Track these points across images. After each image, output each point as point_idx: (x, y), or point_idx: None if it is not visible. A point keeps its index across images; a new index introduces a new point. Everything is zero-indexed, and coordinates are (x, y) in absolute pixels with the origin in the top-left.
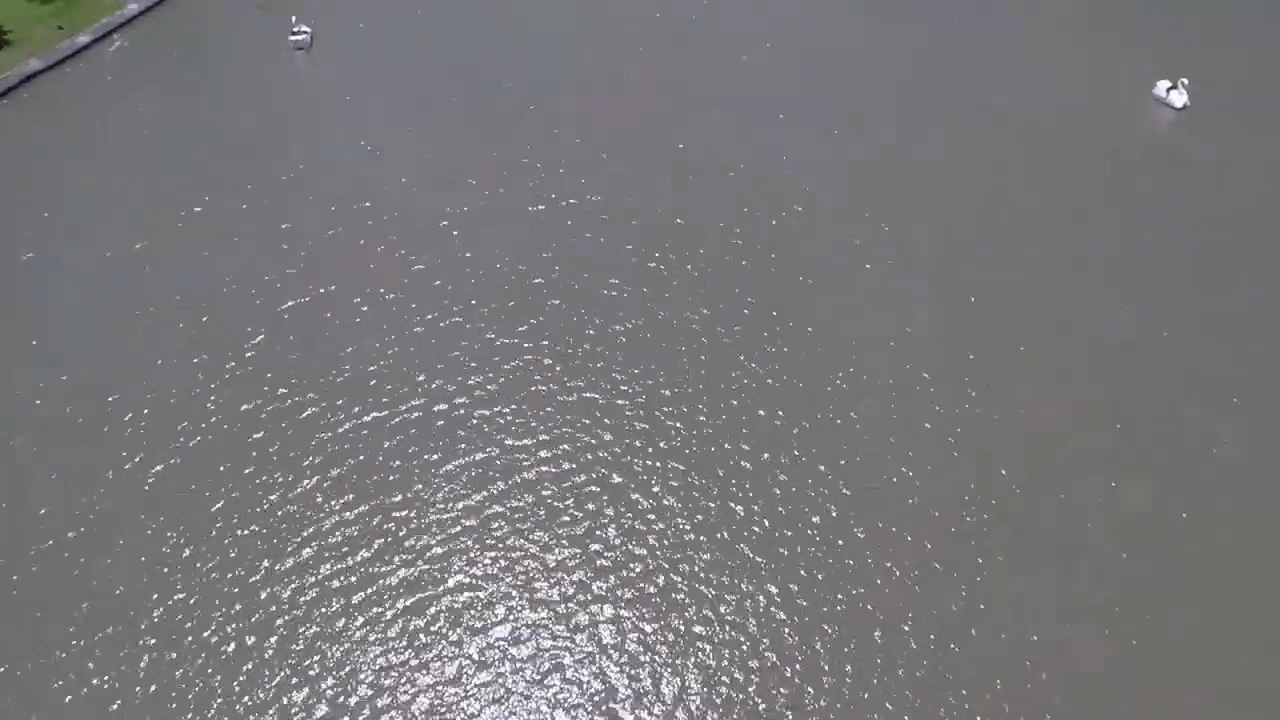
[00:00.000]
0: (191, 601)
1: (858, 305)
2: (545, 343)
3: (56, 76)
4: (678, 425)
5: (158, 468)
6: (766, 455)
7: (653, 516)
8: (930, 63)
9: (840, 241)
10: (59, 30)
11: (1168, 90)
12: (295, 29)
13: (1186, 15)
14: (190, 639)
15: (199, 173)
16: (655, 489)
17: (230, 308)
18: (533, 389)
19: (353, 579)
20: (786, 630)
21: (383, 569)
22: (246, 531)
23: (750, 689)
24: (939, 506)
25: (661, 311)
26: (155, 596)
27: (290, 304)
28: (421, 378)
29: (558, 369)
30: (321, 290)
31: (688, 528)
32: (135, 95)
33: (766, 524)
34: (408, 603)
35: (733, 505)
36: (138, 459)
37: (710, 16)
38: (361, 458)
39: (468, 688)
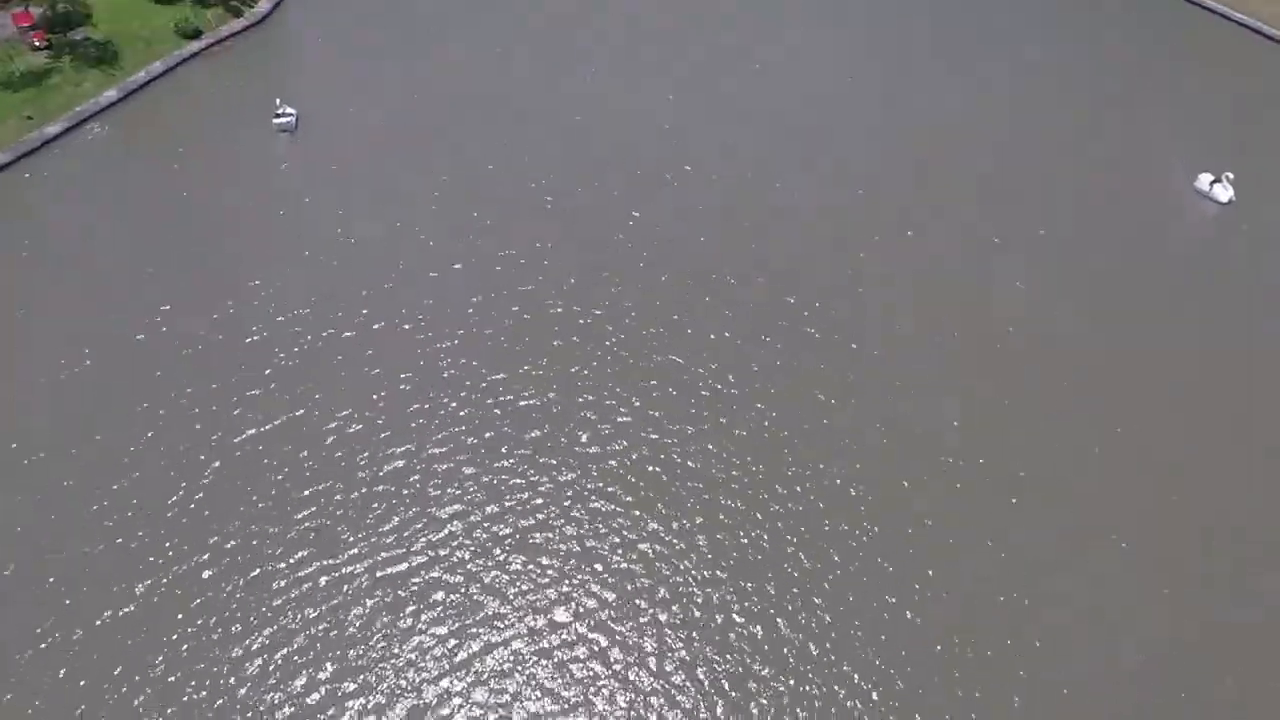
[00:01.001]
0: None
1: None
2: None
3: (25, 167)
4: None
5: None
6: None
7: None
8: (954, 141)
9: (886, 330)
10: (28, 120)
11: (1211, 184)
12: (279, 110)
13: (1234, 105)
14: None
15: (166, 281)
16: None
17: (188, 440)
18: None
19: None
20: None
21: None
22: None
23: None
24: None
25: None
26: None
27: (250, 434)
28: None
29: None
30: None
31: None
32: (106, 190)
33: None
34: None
35: None
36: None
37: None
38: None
39: None
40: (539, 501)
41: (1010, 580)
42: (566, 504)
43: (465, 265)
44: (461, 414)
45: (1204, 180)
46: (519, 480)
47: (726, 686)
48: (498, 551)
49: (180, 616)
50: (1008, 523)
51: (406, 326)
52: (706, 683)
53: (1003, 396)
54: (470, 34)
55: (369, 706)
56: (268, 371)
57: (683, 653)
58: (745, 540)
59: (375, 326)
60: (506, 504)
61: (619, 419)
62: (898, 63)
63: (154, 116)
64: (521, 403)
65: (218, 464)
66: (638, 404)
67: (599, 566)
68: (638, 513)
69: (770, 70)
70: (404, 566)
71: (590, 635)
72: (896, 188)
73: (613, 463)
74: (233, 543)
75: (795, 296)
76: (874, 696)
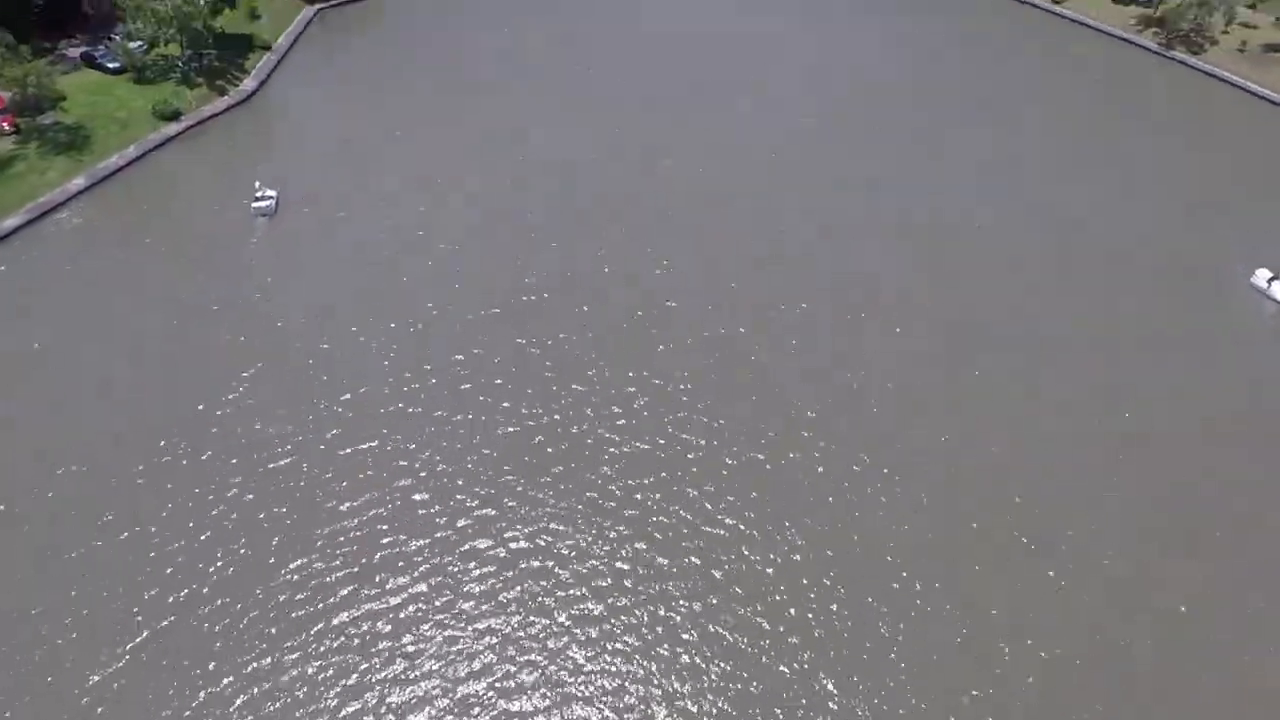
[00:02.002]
0: None
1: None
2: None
3: None
4: None
5: None
6: None
7: None
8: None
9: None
10: None
11: (1269, 281)
12: (259, 193)
13: None
14: None
15: (124, 391)
16: None
17: (150, 582)
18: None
19: None
20: None
21: None
22: None
23: None
24: None
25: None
26: None
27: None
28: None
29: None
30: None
31: None
32: (65, 290)
33: None
34: None
35: None
36: None
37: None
38: None
39: None
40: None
41: None
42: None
43: (440, 380)
44: (421, 567)
45: (1261, 277)
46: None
47: None
48: None
49: None
50: None
51: (376, 449)
52: None
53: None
54: (465, 114)
55: None
56: (229, 494)
57: None
58: None
59: (343, 452)
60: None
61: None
62: (1012, 157)
63: (124, 205)
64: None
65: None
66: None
67: None
68: None
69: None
70: None
71: None
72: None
73: None
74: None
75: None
76: None
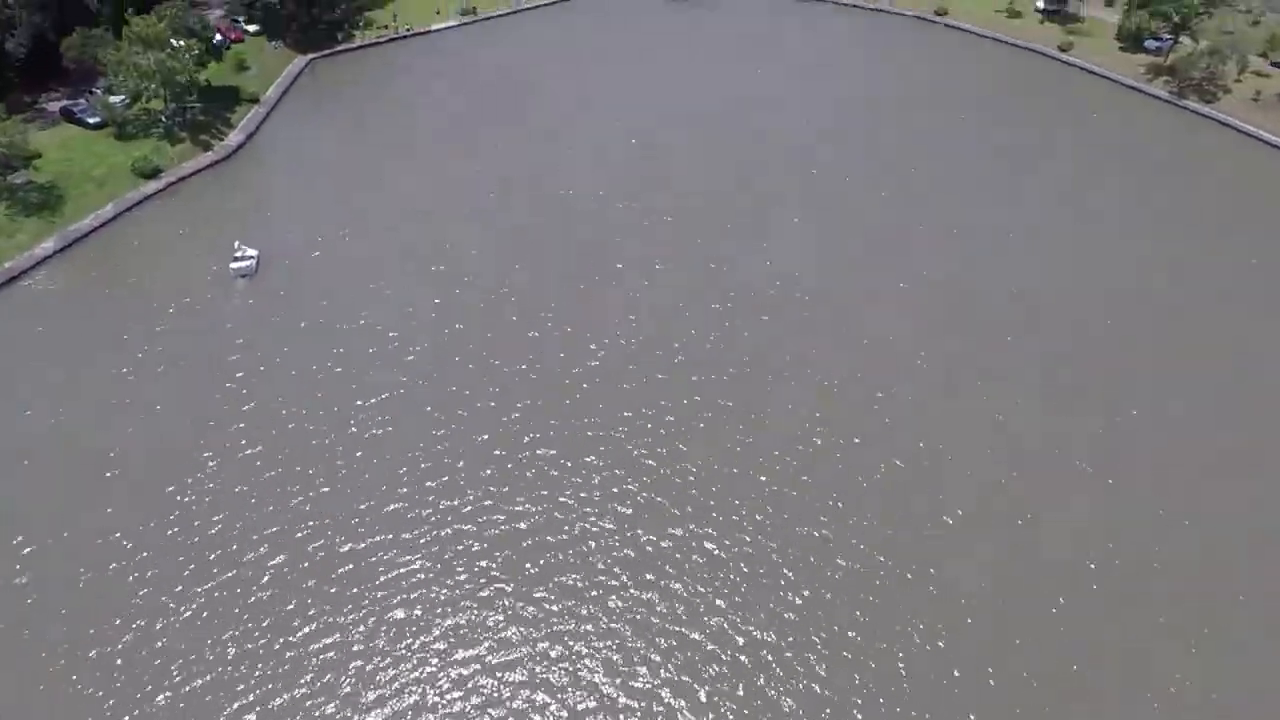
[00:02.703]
0: None
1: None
2: None
3: None
4: None
5: None
6: None
7: None
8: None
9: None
10: None
11: None
12: (238, 253)
13: None
14: None
15: (94, 477)
16: None
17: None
18: None
19: None
20: None
21: None
22: None
23: None
24: None
25: None
26: None
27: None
28: None
29: None
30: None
31: None
32: (28, 363)
33: None
34: None
35: None
36: None
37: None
38: None
39: None
40: None
41: None
42: None
43: (431, 463)
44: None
45: None
46: None
47: None
48: None
49: None
50: None
51: (350, 552)
52: None
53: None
54: (460, 172)
55: None
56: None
57: None
58: None
59: (300, 570)
60: None
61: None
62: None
63: (96, 268)
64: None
65: None
66: None
67: None
68: None
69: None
70: None
71: None
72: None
73: None
74: None
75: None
76: None
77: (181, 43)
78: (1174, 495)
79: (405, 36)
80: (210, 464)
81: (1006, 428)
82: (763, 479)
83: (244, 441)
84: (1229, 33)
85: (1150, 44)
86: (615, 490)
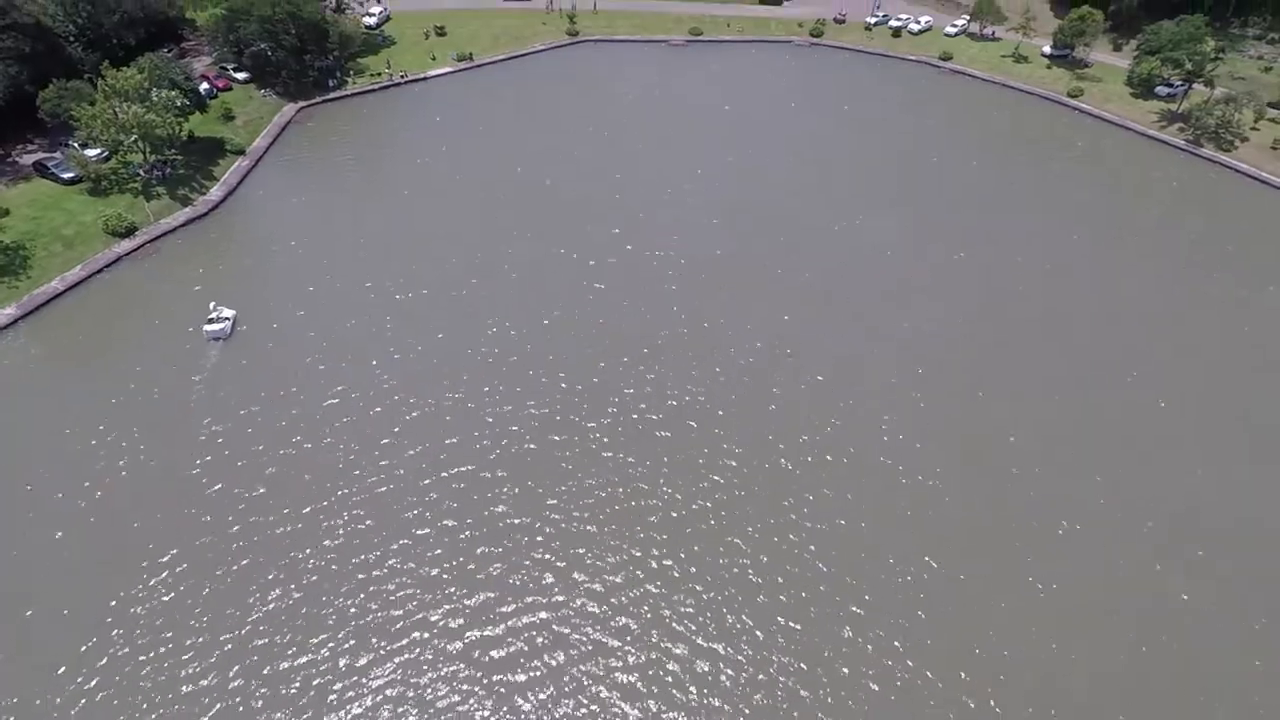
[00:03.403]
0: None
1: None
2: None
3: None
4: None
5: None
6: None
7: None
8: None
9: None
10: None
11: None
12: (213, 315)
13: None
14: None
15: (43, 565)
16: None
17: None
18: None
19: None
20: None
21: None
22: None
23: None
24: None
25: None
26: None
27: None
28: None
29: None
30: None
31: None
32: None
33: None
34: None
35: None
36: None
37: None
38: None
39: None
40: None
41: None
42: None
43: (404, 557)
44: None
45: None
46: None
47: None
48: None
49: None
50: None
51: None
52: None
53: None
54: (450, 230)
55: None
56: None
57: None
58: None
59: (271, 670)
60: None
61: None
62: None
63: (58, 336)
64: None
65: None
66: None
67: None
68: None
69: None
70: None
71: None
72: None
73: None
74: None
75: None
76: None
77: (162, 95)
78: None
79: (399, 84)
80: (165, 556)
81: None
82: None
83: (207, 539)
84: (1240, 79)
85: (1162, 90)
86: (624, 600)
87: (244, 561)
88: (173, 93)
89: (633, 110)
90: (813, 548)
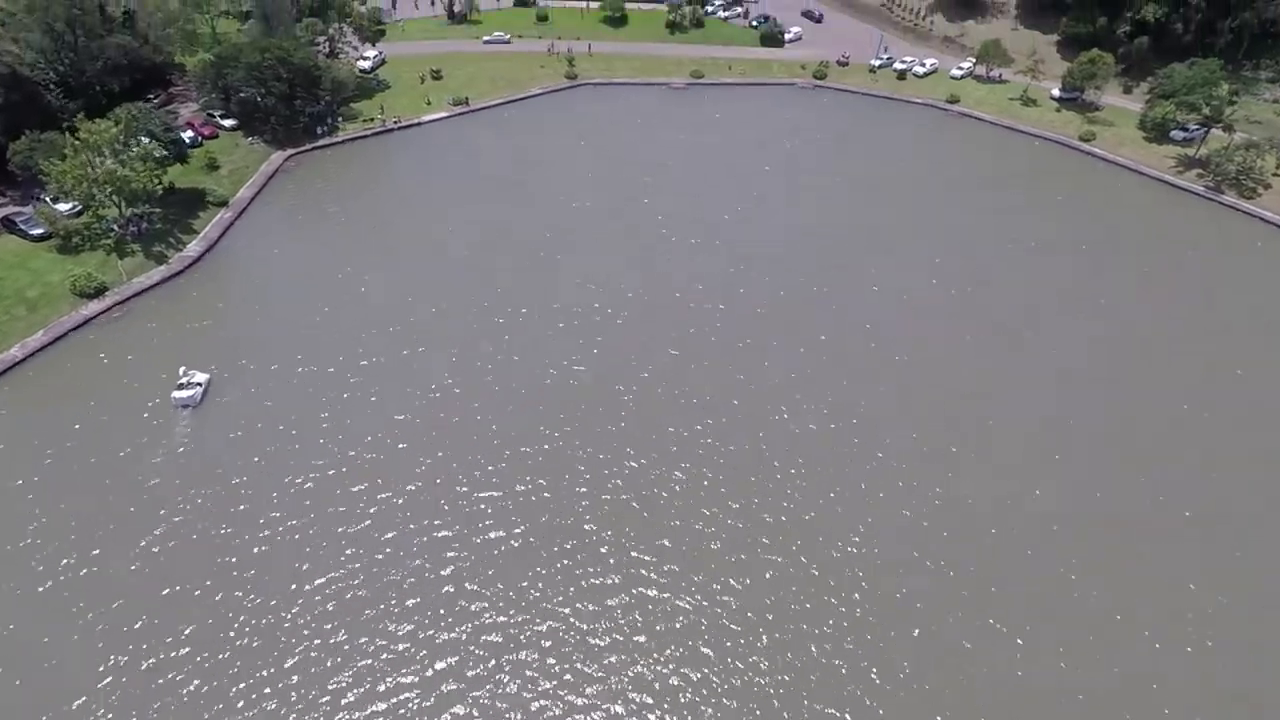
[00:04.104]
0: None
1: None
2: None
3: None
4: None
5: None
6: None
7: None
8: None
9: None
10: None
11: None
12: (183, 380)
13: None
14: None
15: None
16: None
17: None
18: None
19: None
20: None
21: None
22: None
23: None
24: None
25: None
26: None
27: None
28: None
29: None
30: None
31: None
32: None
33: None
34: None
35: None
36: None
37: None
38: None
39: None
40: None
41: None
42: None
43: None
44: None
45: None
46: None
47: None
48: None
49: None
50: None
51: None
52: None
53: None
54: (439, 288)
55: None
56: None
57: None
58: None
59: None
60: None
61: None
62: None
63: (13, 410)
64: None
65: None
66: None
67: None
68: None
69: None
70: None
71: None
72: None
73: None
74: None
75: None
76: None
77: (138, 146)
78: None
79: (392, 129)
80: (112, 660)
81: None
82: None
83: (152, 661)
84: (1256, 122)
85: (1177, 135)
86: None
87: (195, 684)
88: (151, 144)
89: (634, 156)
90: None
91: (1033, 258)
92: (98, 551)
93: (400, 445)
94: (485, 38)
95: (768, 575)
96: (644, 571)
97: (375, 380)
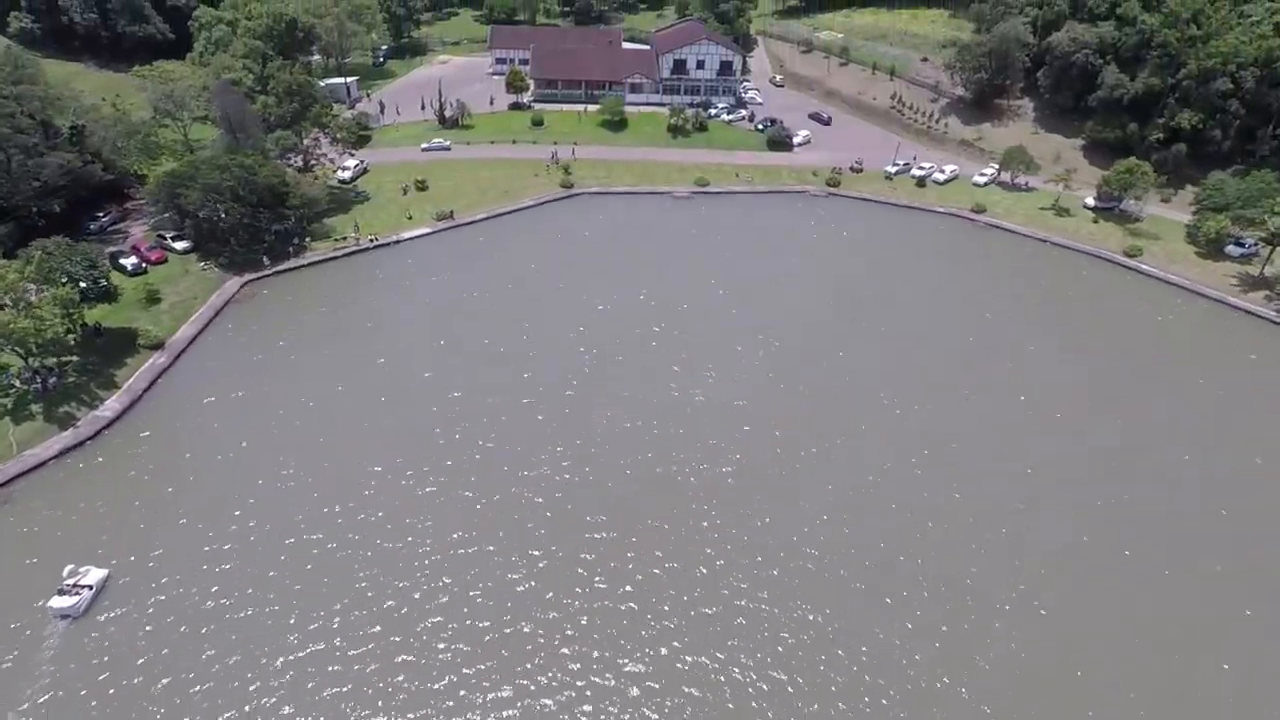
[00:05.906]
0: None
1: None
2: None
3: None
4: None
5: None
6: None
7: None
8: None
9: None
10: None
11: None
12: (67, 583)
13: None
14: None
15: None
16: None
17: None
18: None
19: None
20: None
21: None
22: None
23: None
24: None
25: None
26: None
27: None
28: None
29: None
30: None
31: None
32: None
33: None
34: None
35: None
36: None
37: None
38: None
39: None
40: None
41: None
42: None
43: None
44: None
45: None
46: None
47: None
48: None
49: None
50: None
51: None
52: None
53: None
54: (396, 453)
55: None
56: None
57: None
58: None
59: None
60: None
61: None
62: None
63: None
64: None
65: None
66: None
67: None
68: None
69: None
70: None
71: None
72: None
73: None
74: None
75: None
76: None
77: (49, 292)
78: None
79: (367, 249)
80: None
81: None
82: None
83: None
84: None
85: (1233, 250)
86: None
87: None
88: (65, 287)
89: (636, 278)
90: None
91: (1109, 399)
92: None
93: (345, 707)
94: (424, 145)
95: None
96: None
97: (313, 573)
